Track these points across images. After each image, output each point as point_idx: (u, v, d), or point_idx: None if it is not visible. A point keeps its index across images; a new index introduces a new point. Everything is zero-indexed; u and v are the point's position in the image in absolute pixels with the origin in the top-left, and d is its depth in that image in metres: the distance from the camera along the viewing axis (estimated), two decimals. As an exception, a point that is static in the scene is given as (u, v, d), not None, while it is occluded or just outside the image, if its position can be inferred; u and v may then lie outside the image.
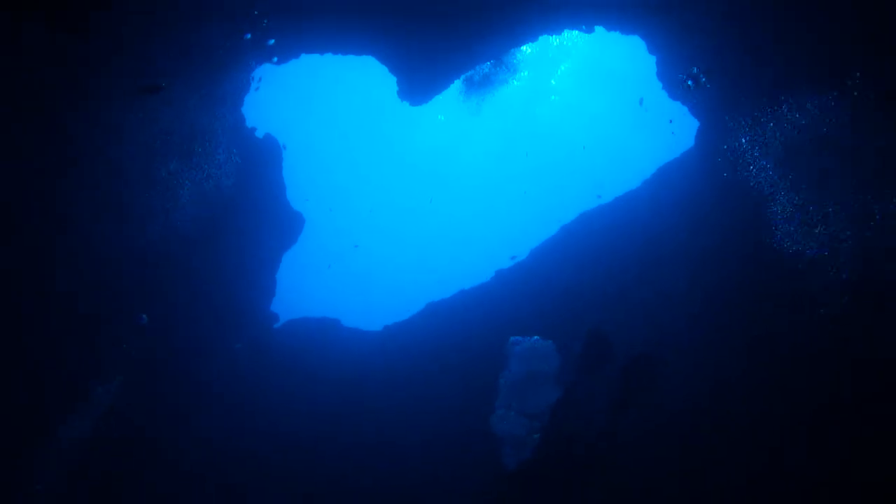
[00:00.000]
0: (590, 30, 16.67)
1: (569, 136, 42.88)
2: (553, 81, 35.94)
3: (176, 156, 14.52)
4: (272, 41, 15.33)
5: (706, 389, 11.98)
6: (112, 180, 13.02)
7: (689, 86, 13.62)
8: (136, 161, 13.49)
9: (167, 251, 15.03)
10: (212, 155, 15.67)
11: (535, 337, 14.54)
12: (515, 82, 31.95)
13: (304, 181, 28.68)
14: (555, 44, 30.12)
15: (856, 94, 10.18)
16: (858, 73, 10.13)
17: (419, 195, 49.15)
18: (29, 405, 12.45)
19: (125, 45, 12.24)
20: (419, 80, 16.71)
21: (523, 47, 20.59)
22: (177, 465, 15.52)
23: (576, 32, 17.33)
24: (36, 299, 12.05)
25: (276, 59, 15.86)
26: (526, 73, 32.60)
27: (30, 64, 10.63)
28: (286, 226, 18.07)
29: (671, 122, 17.50)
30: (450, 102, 33.03)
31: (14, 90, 10.62)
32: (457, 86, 24.09)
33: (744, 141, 12.50)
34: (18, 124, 10.87)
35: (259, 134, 17.00)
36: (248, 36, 14.86)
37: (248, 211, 17.07)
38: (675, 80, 15.34)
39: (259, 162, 16.95)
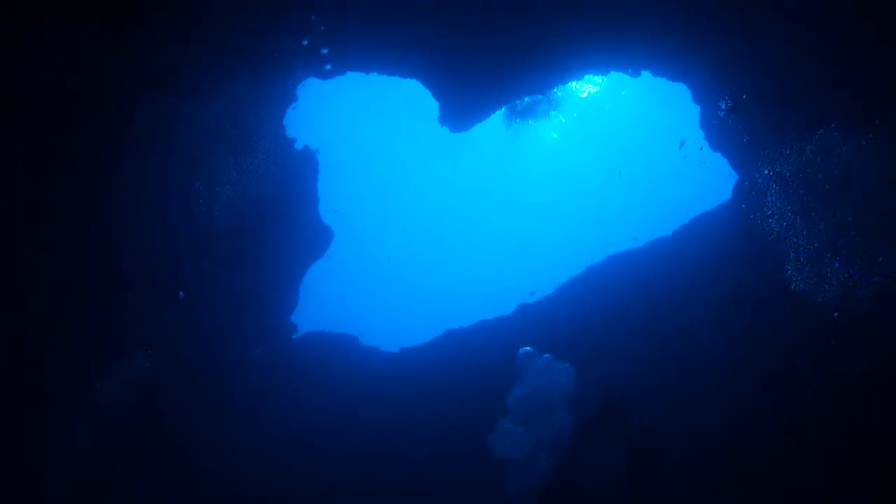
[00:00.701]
0: (636, 74, 16.90)
1: (606, 176, 43.05)
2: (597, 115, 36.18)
3: (221, 152, 15.10)
4: (325, 50, 15.77)
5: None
6: (163, 169, 13.65)
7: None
8: (184, 153, 14.10)
9: (204, 241, 15.55)
10: (253, 155, 16.25)
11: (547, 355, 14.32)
12: (561, 118, 32.47)
13: (338, 196, 29.23)
14: (602, 84, 30.47)
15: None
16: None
17: (451, 219, 49.54)
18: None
19: (176, 45, 12.88)
20: (460, 108, 17.06)
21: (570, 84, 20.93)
22: (181, 460, 15.87)
23: (622, 75, 17.58)
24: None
25: (328, 66, 16.18)
26: (572, 114, 33.03)
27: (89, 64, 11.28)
28: (315, 238, 18.47)
29: (704, 163, 17.57)
30: (491, 128, 33.52)
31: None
32: (499, 112, 24.28)
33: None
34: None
35: (298, 145, 17.50)
36: (305, 42, 15.31)
37: (280, 220, 17.52)
38: (716, 131, 15.52)
39: (295, 172, 17.41)
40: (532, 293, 17.66)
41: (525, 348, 14.32)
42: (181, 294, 15.26)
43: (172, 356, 15.46)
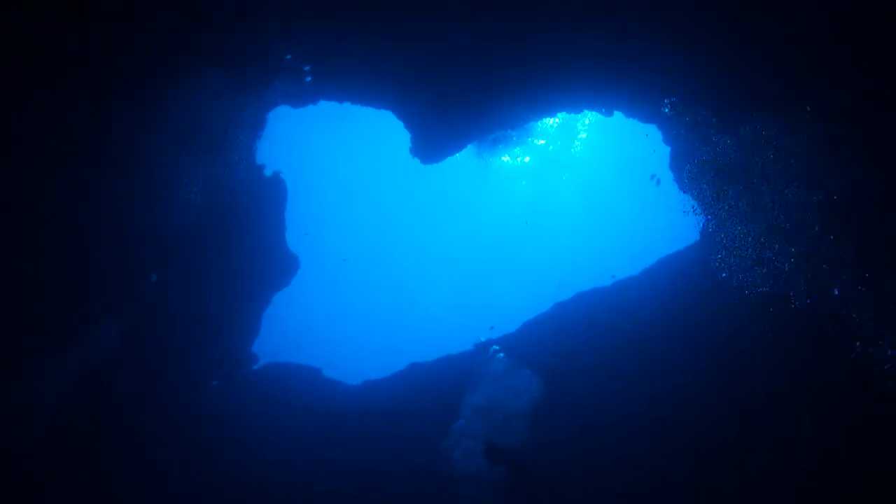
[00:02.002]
0: (608, 114, 17.56)
1: (577, 210, 43.81)
2: (570, 151, 37.02)
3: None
4: (307, 66, 16.04)
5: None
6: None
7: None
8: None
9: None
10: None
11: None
12: (530, 144, 33.15)
13: (304, 225, 29.30)
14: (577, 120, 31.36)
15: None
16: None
17: (418, 251, 49.88)
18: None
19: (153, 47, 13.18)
20: (432, 140, 17.48)
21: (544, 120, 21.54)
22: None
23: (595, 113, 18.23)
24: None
25: (308, 78, 16.48)
26: (543, 143, 33.88)
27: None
28: (281, 266, 18.56)
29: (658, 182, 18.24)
30: (461, 160, 33.97)
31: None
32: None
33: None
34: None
35: (267, 172, 17.71)
36: (289, 56, 15.64)
37: (245, 245, 17.61)
38: (685, 172, 16.15)
39: (263, 198, 17.57)
40: (491, 328, 18.03)
41: (493, 347, 14.73)
42: (153, 277, 15.63)
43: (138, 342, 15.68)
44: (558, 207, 43.80)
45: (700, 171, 13.48)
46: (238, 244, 17.20)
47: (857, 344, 11.02)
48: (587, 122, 31.55)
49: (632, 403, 14.26)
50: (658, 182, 19.16)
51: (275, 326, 21.26)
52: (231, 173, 16.99)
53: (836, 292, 11.25)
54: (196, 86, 14.64)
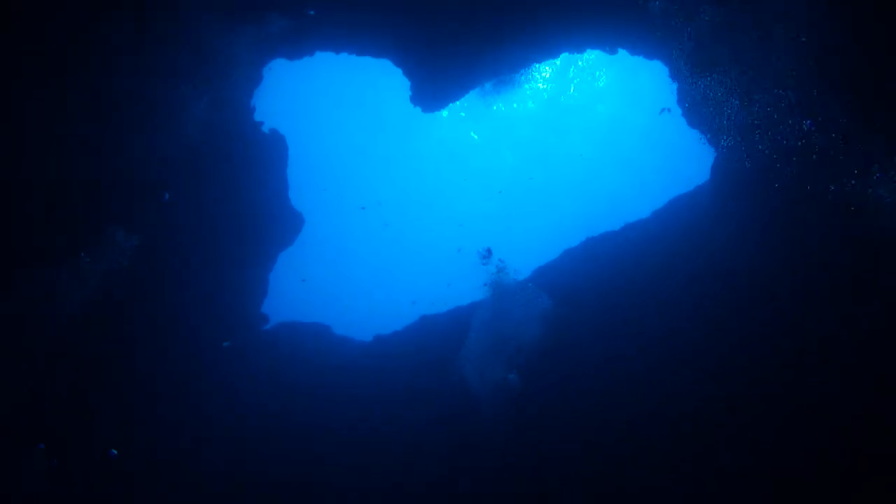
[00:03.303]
0: (613, 52, 17.51)
1: (587, 150, 43.64)
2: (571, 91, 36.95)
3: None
4: (312, 12, 15.99)
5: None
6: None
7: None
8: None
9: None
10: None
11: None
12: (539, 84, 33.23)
13: (310, 181, 29.46)
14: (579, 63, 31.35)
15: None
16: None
17: (422, 203, 49.89)
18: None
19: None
20: (433, 88, 17.52)
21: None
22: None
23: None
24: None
25: (312, 11, 16.44)
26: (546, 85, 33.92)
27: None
28: (285, 225, 18.79)
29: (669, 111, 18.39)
30: (464, 107, 34.08)
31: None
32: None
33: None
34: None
35: (265, 129, 17.80)
36: (312, 13, 15.69)
37: (248, 205, 17.83)
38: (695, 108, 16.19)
39: (263, 158, 17.71)
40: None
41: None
42: (166, 195, 16.09)
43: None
44: (566, 151, 43.69)
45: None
46: (240, 201, 17.41)
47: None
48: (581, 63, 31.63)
49: (641, 339, 14.70)
50: (669, 111, 19.17)
51: (283, 286, 21.61)
52: (230, 120, 17.15)
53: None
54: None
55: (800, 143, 12.23)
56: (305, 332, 19.68)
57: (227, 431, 17.14)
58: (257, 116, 17.64)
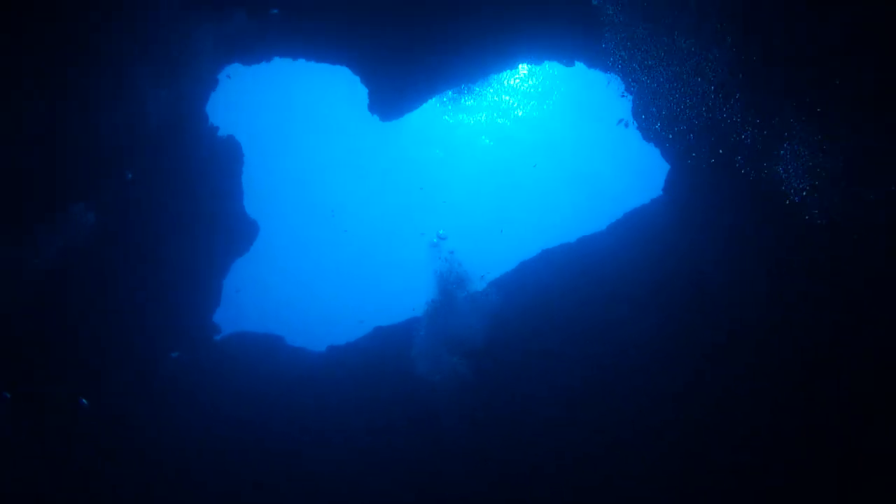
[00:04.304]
0: (570, 64, 18.01)
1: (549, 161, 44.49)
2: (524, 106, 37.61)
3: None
4: (275, 10, 16.10)
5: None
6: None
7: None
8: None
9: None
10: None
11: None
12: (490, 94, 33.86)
13: (266, 189, 29.47)
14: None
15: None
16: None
17: (377, 212, 50.13)
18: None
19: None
20: (391, 96, 17.77)
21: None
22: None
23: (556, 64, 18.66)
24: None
25: (275, 10, 16.52)
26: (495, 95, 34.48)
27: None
28: (240, 232, 18.79)
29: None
30: (422, 117, 34.39)
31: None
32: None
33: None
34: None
35: (221, 134, 17.84)
36: (275, 11, 15.82)
37: (201, 211, 17.79)
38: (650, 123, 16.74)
39: (218, 163, 17.73)
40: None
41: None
42: (129, 175, 16.16)
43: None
44: (524, 163, 44.39)
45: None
46: (195, 206, 17.40)
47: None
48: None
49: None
50: (626, 125, 19.69)
51: (236, 295, 21.56)
52: (186, 122, 17.17)
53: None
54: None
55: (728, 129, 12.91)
56: (259, 343, 19.65)
57: (177, 447, 16.98)
58: (213, 121, 17.67)
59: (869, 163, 10.89)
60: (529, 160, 43.33)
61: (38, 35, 13.09)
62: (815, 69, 10.99)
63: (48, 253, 15.42)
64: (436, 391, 15.29)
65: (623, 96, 17.15)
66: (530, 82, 34.21)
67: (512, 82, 33.42)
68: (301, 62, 18.06)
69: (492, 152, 42.83)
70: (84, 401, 15.87)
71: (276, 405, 17.49)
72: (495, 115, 37.94)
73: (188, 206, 17.33)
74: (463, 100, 32.64)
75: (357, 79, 18.05)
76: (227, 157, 17.94)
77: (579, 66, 18.05)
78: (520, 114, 37.73)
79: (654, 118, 15.80)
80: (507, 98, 35.99)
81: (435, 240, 20.25)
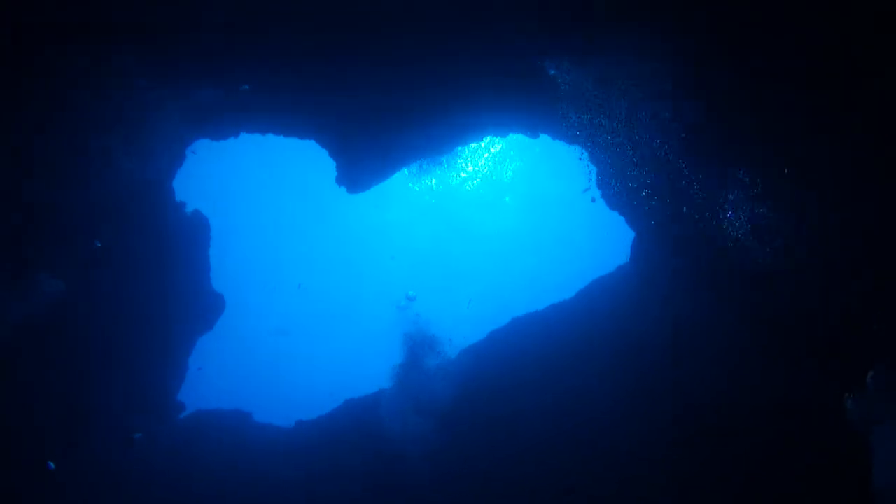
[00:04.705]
0: (535, 135, 18.53)
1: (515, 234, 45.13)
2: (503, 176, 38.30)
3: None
4: (246, 87, 16.39)
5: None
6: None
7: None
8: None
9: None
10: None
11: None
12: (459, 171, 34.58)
13: (231, 262, 29.34)
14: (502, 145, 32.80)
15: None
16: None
17: (344, 284, 50.18)
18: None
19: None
20: (359, 170, 18.04)
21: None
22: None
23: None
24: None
25: (246, 86, 16.71)
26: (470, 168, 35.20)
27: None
28: (206, 307, 18.65)
29: (589, 194, 19.57)
30: (391, 188, 34.74)
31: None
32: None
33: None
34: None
35: (188, 209, 17.88)
36: (247, 87, 16.09)
37: (166, 287, 17.66)
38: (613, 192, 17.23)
39: (185, 237, 17.71)
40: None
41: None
42: (97, 243, 16.11)
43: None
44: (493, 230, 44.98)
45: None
46: (161, 283, 17.29)
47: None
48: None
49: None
50: (593, 199, 20.23)
51: (200, 372, 21.23)
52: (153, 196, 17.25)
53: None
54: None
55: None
56: (225, 420, 19.30)
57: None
58: (180, 195, 17.74)
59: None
60: (501, 223, 44.04)
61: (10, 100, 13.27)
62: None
63: (10, 320, 15.26)
64: (405, 457, 15.31)
65: (580, 159, 17.76)
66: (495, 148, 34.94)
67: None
68: (269, 135, 18.32)
69: (459, 215, 43.44)
70: (51, 464, 15.53)
71: (244, 484, 17.09)
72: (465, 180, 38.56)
73: (153, 280, 17.22)
74: (430, 170, 33.31)
75: (325, 151, 18.33)
76: (193, 230, 17.93)
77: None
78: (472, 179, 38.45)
79: (616, 186, 16.40)
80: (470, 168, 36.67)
81: (403, 302, 20.80)
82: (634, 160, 14.40)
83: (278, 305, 50.73)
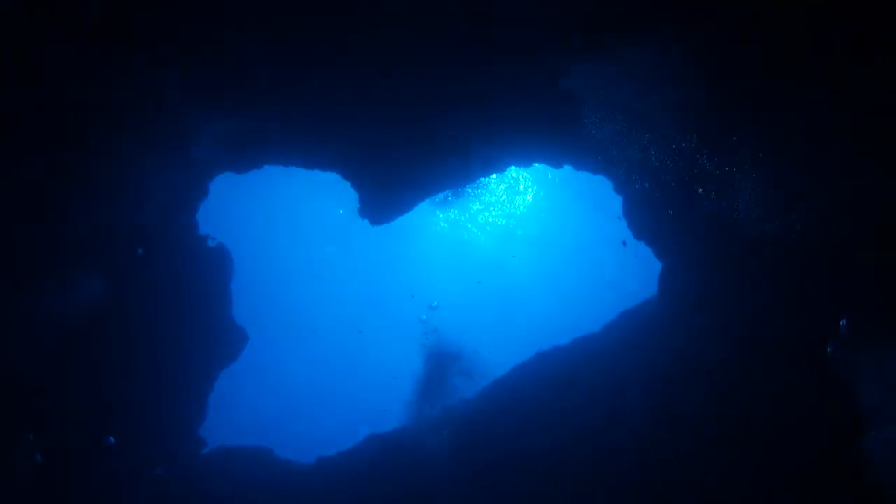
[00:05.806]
0: (558, 165, 18.64)
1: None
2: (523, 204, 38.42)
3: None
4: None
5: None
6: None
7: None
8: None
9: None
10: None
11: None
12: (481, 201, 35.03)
13: (254, 297, 29.64)
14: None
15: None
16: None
17: (366, 318, 50.36)
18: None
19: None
20: (381, 202, 18.23)
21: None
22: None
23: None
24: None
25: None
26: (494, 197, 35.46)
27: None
28: (228, 342, 18.79)
29: (625, 244, 19.63)
30: (414, 220, 35.15)
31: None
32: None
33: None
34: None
35: (211, 243, 18.16)
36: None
37: (187, 321, 17.87)
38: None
39: (207, 272, 17.95)
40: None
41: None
42: (139, 250, 16.57)
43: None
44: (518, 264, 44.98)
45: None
46: (183, 318, 17.51)
47: None
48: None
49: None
50: (624, 243, 20.45)
51: (223, 407, 21.36)
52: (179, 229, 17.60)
53: None
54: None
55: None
56: (246, 457, 19.34)
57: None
58: (203, 230, 18.04)
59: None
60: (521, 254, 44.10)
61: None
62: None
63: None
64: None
65: (620, 218, 17.94)
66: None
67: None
68: (292, 169, 18.63)
69: (484, 247, 43.54)
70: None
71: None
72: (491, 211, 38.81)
73: (175, 313, 17.45)
74: (454, 202, 33.64)
75: (347, 184, 18.56)
76: (216, 265, 18.19)
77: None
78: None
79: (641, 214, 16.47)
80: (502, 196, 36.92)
81: (424, 316, 21.48)
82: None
83: (298, 339, 51.11)
